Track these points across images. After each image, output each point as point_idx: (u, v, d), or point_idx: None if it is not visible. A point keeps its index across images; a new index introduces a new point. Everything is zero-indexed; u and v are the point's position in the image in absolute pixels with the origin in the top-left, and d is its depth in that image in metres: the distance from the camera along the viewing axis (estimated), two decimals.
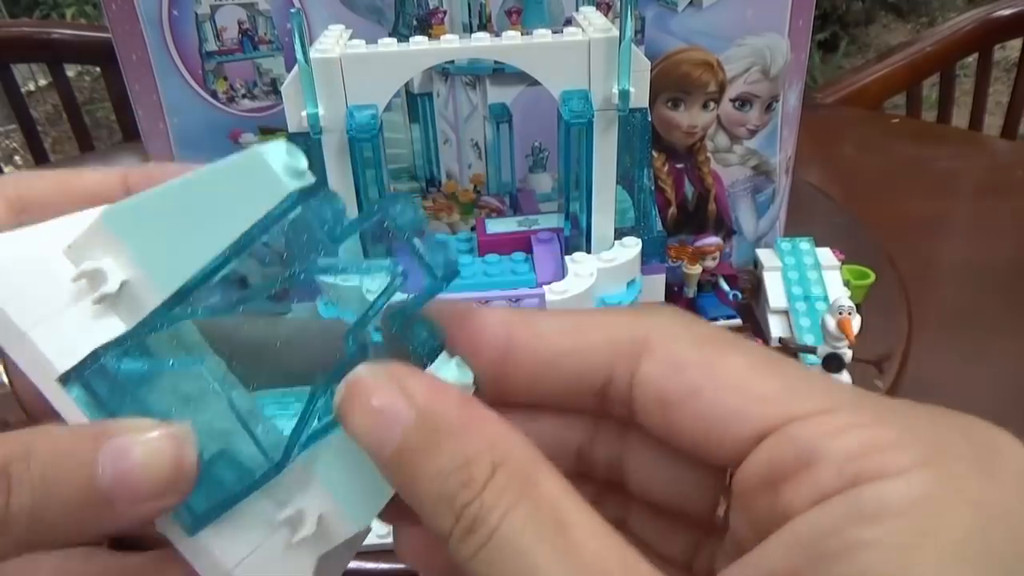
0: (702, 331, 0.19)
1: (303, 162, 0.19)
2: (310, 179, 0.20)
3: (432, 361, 0.20)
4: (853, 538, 0.15)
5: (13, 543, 0.18)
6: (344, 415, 0.19)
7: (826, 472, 0.16)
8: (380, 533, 0.49)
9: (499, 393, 0.20)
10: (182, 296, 0.20)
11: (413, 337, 0.20)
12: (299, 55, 0.39)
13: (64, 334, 0.19)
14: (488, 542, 0.17)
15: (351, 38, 0.42)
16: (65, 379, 0.19)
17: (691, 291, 0.61)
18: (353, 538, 0.21)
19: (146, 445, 0.19)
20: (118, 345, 0.19)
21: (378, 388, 0.18)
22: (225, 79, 0.59)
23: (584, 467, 0.22)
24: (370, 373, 0.19)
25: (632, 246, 0.45)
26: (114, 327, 0.20)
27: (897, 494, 0.16)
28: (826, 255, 0.65)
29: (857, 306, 0.55)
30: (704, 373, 0.18)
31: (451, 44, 0.41)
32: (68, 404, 0.19)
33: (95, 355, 0.19)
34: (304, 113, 0.40)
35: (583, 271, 0.43)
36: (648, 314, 0.20)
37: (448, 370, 0.20)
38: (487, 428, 0.18)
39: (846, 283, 0.64)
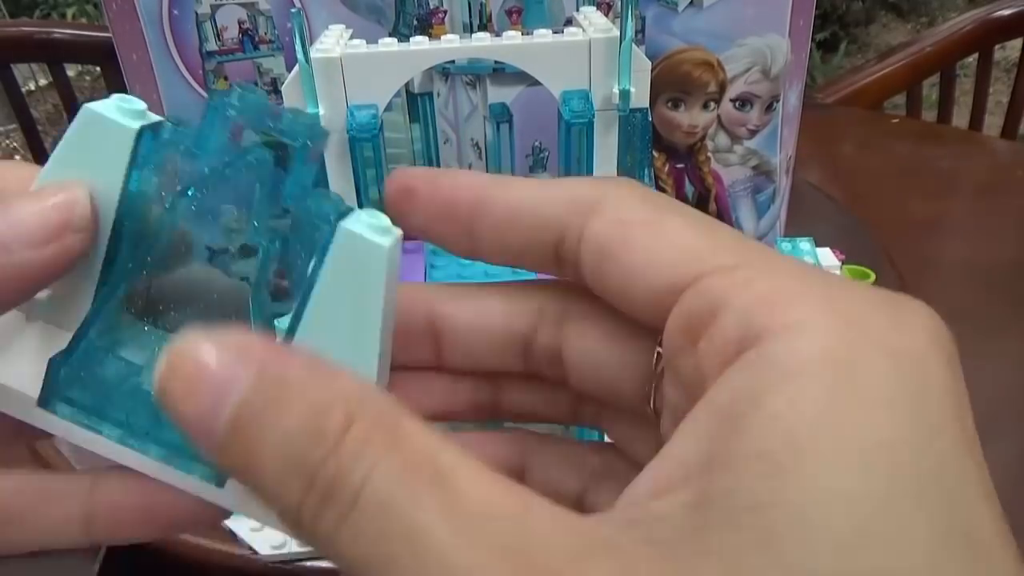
0: (651, 195, 0.19)
1: (138, 103, 0.19)
2: (152, 117, 0.19)
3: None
4: (768, 403, 0.14)
5: None
6: (166, 393, 0.15)
7: (729, 322, 0.16)
8: None
9: (469, 250, 0.20)
10: (111, 281, 0.20)
11: (316, 211, 0.20)
12: (299, 55, 0.39)
13: (24, 362, 0.19)
14: (352, 509, 0.14)
15: (351, 38, 0.42)
16: (44, 402, 0.19)
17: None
18: None
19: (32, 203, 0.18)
20: (69, 352, 0.19)
21: (204, 350, 0.15)
22: (225, 79, 0.59)
23: (531, 366, 0.22)
24: (193, 337, 0.15)
25: None
26: (62, 336, 0.20)
27: (807, 346, 0.15)
28: (826, 255, 0.65)
29: None
30: (642, 230, 0.18)
31: (451, 44, 0.41)
32: (58, 424, 0.20)
33: (54, 365, 0.19)
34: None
35: None
36: (607, 181, 0.20)
37: (359, 222, 0.19)
38: (339, 381, 0.15)
39: None
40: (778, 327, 0.15)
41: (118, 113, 0.19)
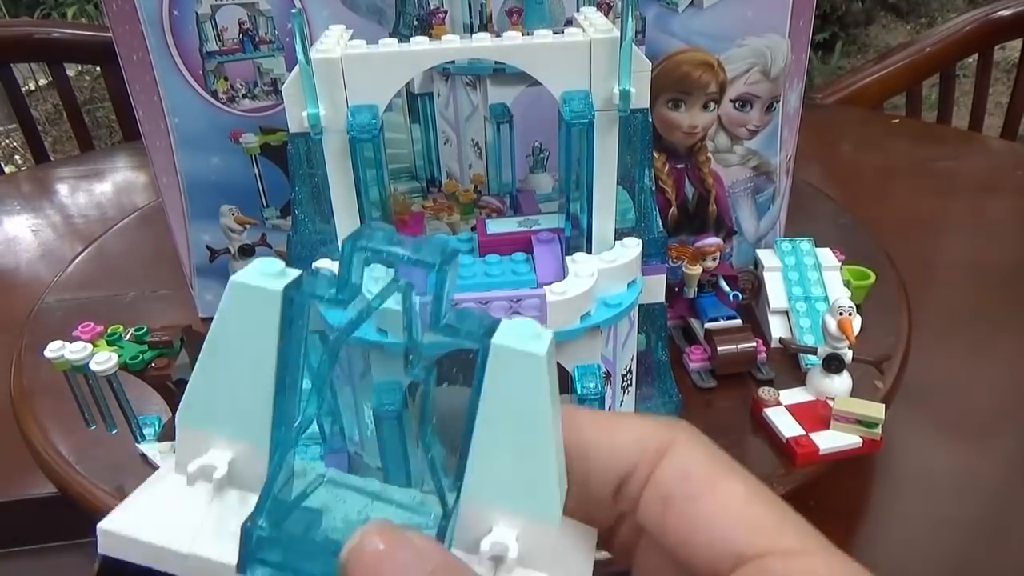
0: (715, 452, 0.21)
1: (277, 265, 0.20)
2: (292, 274, 0.20)
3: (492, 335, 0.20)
4: None
5: None
6: (352, 569, 0.18)
7: None
8: None
9: None
10: (282, 442, 0.20)
11: (463, 330, 0.20)
12: (300, 55, 0.39)
13: (217, 535, 0.20)
14: None
15: (352, 38, 0.42)
16: (242, 567, 0.20)
17: (691, 291, 0.61)
18: (560, 541, 0.21)
19: None
20: (259, 512, 0.20)
21: (396, 541, 0.18)
22: (226, 79, 0.59)
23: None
24: (377, 528, 0.19)
25: (633, 246, 0.45)
26: (248, 500, 0.20)
27: None
28: (826, 255, 0.65)
29: (857, 306, 0.55)
30: (706, 486, 0.20)
31: (452, 44, 0.41)
32: None
33: (247, 532, 0.20)
34: (305, 113, 0.40)
35: (584, 271, 0.43)
36: (672, 425, 0.21)
37: (510, 334, 0.20)
38: None
39: (846, 283, 0.64)
40: None
41: (261, 279, 0.20)
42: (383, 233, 0.20)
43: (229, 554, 0.20)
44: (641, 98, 0.42)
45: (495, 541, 0.20)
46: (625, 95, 0.40)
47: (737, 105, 0.62)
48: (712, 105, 0.62)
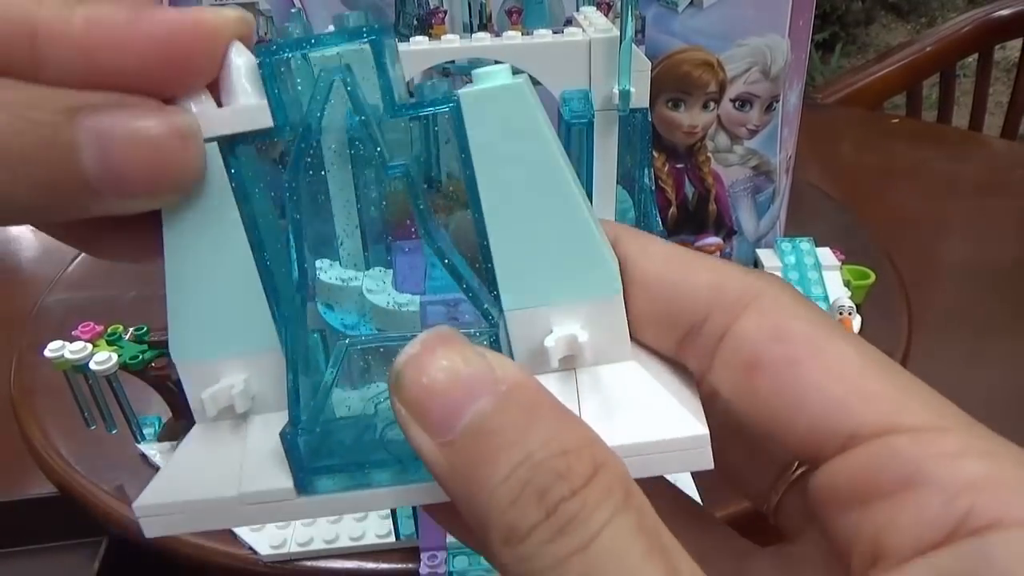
0: (814, 309, 0.17)
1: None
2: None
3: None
4: None
5: None
6: (411, 379, 0.15)
7: (933, 500, 0.15)
8: (380, 533, 0.49)
9: None
10: (289, 320, 0.18)
11: (425, 101, 0.17)
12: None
13: (263, 463, 0.17)
14: (587, 548, 0.14)
15: None
16: (302, 486, 0.17)
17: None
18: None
19: (135, 126, 0.15)
20: (295, 414, 0.17)
21: (459, 350, 0.15)
22: None
23: None
24: (449, 333, 0.16)
25: None
26: (282, 417, 0.18)
27: None
28: (826, 255, 0.65)
29: (857, 306, 0.55)
30: (807, 349, 0.16)
31: (451, 44, 0.41)
32: (317, 504, 0.18)
33: (290, 442, 0.17)
34: None
35: None
36: (759, 276, 0.18)
37: (478, 84, 0.17)
38: (585, 429, 0.15)
39: (846, 283, 0.64)
40: (1005, 522, 0.14)
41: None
42: (298, 34, 0.17)
43: (284, 478, 0.17)
44: (641, 98, 0.42)
45: (559, 336, 0.17)
46: (625, 95, 0.40)
47: (737, 105, 0.62)
48: (712, 105, 0.62)
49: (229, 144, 0.17)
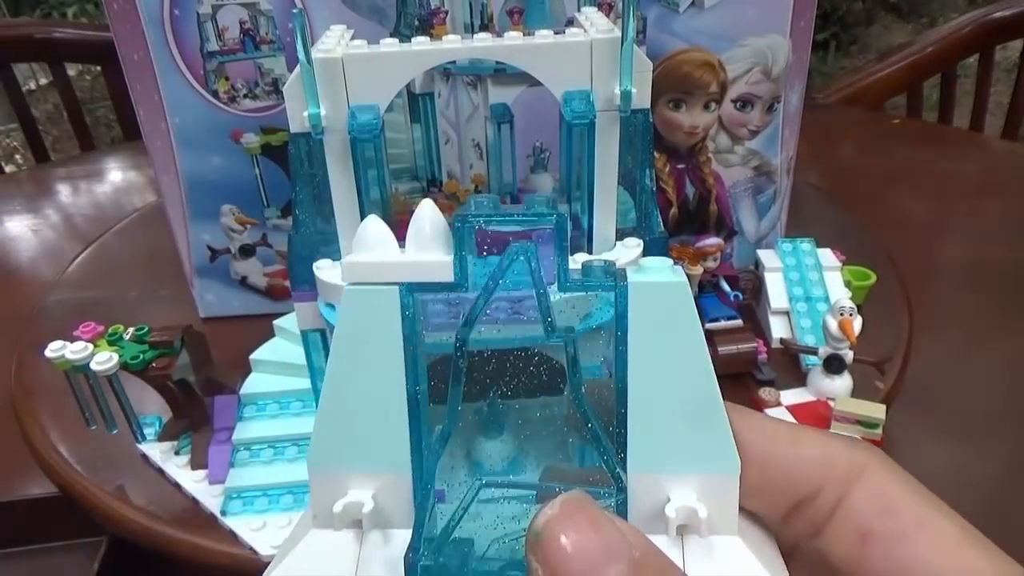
0: (915, 483, 0.19)
1: None
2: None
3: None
4: None
5: None
6: (550, 539, 0.16)
7: None
8: None
9: None
10: (426, 461, 0.19)
11: (594, 281, 0.19)
12: (301, 55, 0.39)
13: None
14: None
15: (353, 38, 0.42)
16: None
17: (692, 292, 0.61)
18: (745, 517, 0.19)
19: None
20: (417, 539, 0.19)
21: (596, 515, 0.16)
22: (226, 79, 0.59)
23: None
24: (584, 498, 0.17)
25: (634, 247, 0.45)
26: (400, 536, 0.19)
27: None
28: (827, 256, 0.65)
29: (858, 307, 0.55)
30: (914, 524, 0.18)
31: (453, 44, 0.41)
32: None
33: (411, 564, 0.18)
34: (306, 113, 0.40)
35: None
36: (864, 450, 0.19)
37: (642, 272, 0.19)
38: None
39: (847, 284, 0.64)
40: None
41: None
42: (488, 201, 0.19)
43: None
44: (642, 98, 0.42)
45: (680, 506, 0.18)
46: (626, 95, 0.40)
47: (738, 105, 0.62)
48: (713, 105, 0.61)
49: (408, 289, 0.19)
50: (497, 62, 0.43)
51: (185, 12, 0.56)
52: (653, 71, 0.42)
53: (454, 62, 0.56)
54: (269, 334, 0.58)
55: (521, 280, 0.19)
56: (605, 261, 0.19)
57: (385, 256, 0.19)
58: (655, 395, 0.19)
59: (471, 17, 0.57)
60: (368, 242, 0.19)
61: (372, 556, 0.19)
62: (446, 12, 0.56)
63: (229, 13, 0.57)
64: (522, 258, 0.18)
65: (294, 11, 0.38)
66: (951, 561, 0.18)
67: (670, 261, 0.19)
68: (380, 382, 0.19)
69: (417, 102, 0.61)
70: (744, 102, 0.62)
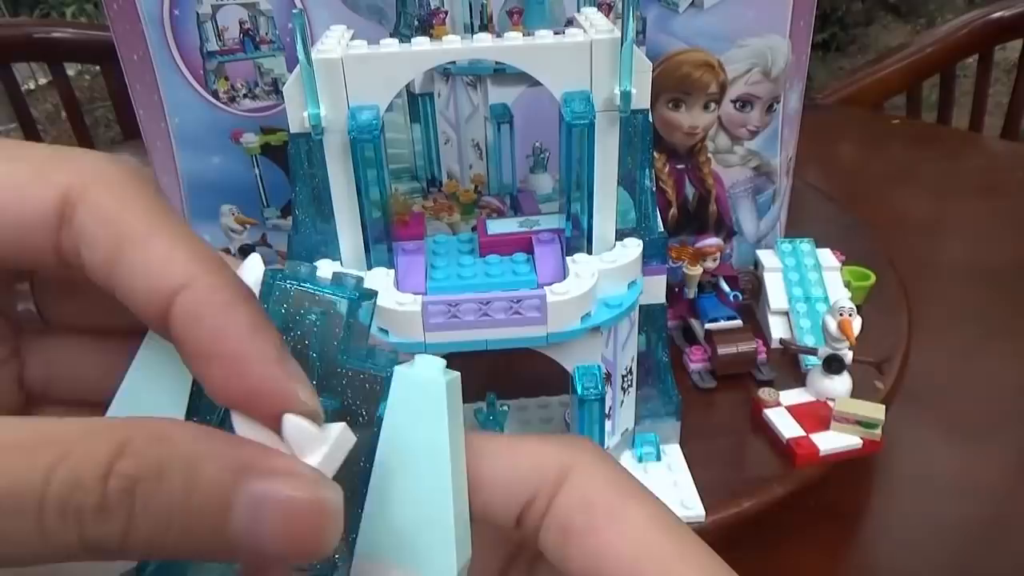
0: (617, 475, 0.20)
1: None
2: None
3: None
4: None
5: (114, 558, 0.16)
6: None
7: None
8: None
9: None
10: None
11: (372, 365, 0.20)
12: (301, 55, 0.39)
13: None
14: None
15: (353, 38, 0.42)
16: None
17: (692, 292, 0.61)
18: None
19: (289, 501, 0.17)
20: None
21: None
22: (226, 79, 0.59)
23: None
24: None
25: (633, 247, 0.45)
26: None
27: None
28: (827, 256, 0.65)
29: (858, 307, 0.55)
30: (606, 516, 0.19)
31: (452, 45, 0.41)
32: None
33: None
34: (306, 113, 0.40)
35: (584, 272, 0.43)
36: (574, 448, 0.20)
37: (415, 365, 0.20)
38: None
39: (847, 284, 0.64)
40: None
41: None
42: (305, 269, 0.20)
43: None
44: (642, 98, 0.42)
45: None
46: (626, 96, 0.40)
47: (738, 105, 0.62)
48: (712, 105, 0.62)
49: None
50: (497, 62, 0.43)
51: (185, 12, 0.56)
52: (652, 71, 0.42)
53: (454, 62, 0.56)
54: None
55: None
56: (357, 278, 0.20)
57: None
58: (394, 483, 0.19)
59: (471, 17, 0.57)
60: None
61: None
62: (446, 12, 0.56)
63: (229, 13, 0.57)
64: (311, 318, 0.20)
65: (294, 11, 0.38)
66: (638, 547, 0.19)
67: (443, 364, 0.20)
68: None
69: (417, 102, 0.61)
70: (744, 102, 0.62)
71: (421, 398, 0.19)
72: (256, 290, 0.20)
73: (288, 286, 0.20)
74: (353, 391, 0.20)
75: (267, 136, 0.61)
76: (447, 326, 0.41)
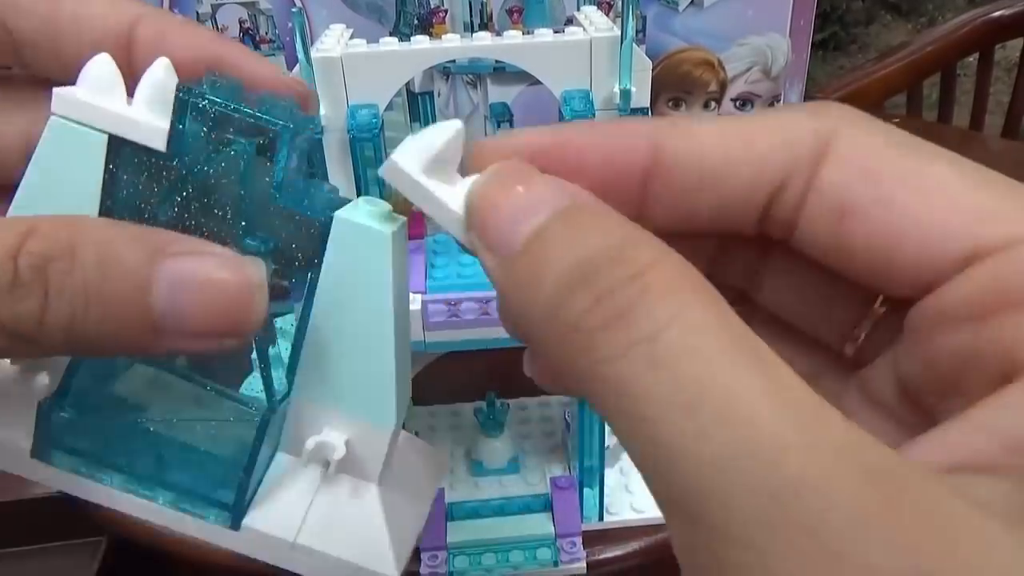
0: (899, 136, 0.15)
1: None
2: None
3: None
4: None
5: (42, 352, 0.16)
6: (479, 202, 0.15)
7: None
8: None
9: (637, 217, 0.15)
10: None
11: (310, 204, 0.18)
12: (300, 54, 0.39)
13: (14, 413, 0.19)
14: (651, 341, 0.12)
15: (352, 37, 0.42)
16: (37, 452, 0.19)
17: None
18: (393, 448, 0.19)
19: (209, 277, 0.16)
20: (60, 394, 0.18)
21: (527, 177, 0.15)
22: None
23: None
24: (516, 163, 0.16)
25: None
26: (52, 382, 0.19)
27: None
28: None
29: None
30: (902, 183, 0.15)
31: (452, 43, 0.41)
32: (55, 475, 0.19)
33: (45, 413, 0.18)
34: None
35: None
36: (830, 112, 0.16)
37: (358, 211, 0.18)
38: (646, 231, 0.14)
39: None
40: None
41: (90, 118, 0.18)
42: (228, 83, 0.18)
43: (24, 438, 0.18)
44: (642, 97, 0.42)
45: (321, 441, 0.19)
46: (626, 94, 0.40)
47: (738, 104, 0.62)
48: (713, 104, 0.61)
49: (115, 145, 0.18)
50: (496, 61, 0.43)
51: (185, 11, 0.56)
52: (652, 70, 0.42)
53: (453, 61, 0.56)
54: None
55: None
56: (292, 102, 0.19)
57: (105, 102, 0.18)
58: (332, 329, 0.18)
59: (471, 16, 0.57)
60: (94, 81, 0.18)
61: (21, 389, 0.19)
62: (445, 11, 0.56)
63: (229, 12, 0.57)
64: (239, 150, 0.18)
65: (293, 10, 0.38)
66: (955, 214, 0.14)
67: (387, 208, 0.18)
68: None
69: (416, 101, 0.61)
70: (744, 101, 0.62)
71: (364, 246, 0.18)
72: (166, 108, 0.18)
73: (207, 106, 0.18)
74: (288, 232, 0.18)
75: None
76: (447, 325, 0.41)
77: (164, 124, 0.18)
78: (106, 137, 0.18)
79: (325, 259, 0.18)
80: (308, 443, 0.19)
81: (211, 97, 0.18)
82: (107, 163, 0.18)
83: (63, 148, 0.18)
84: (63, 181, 0.18)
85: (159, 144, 0.18)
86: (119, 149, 0.18)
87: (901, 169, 0.15)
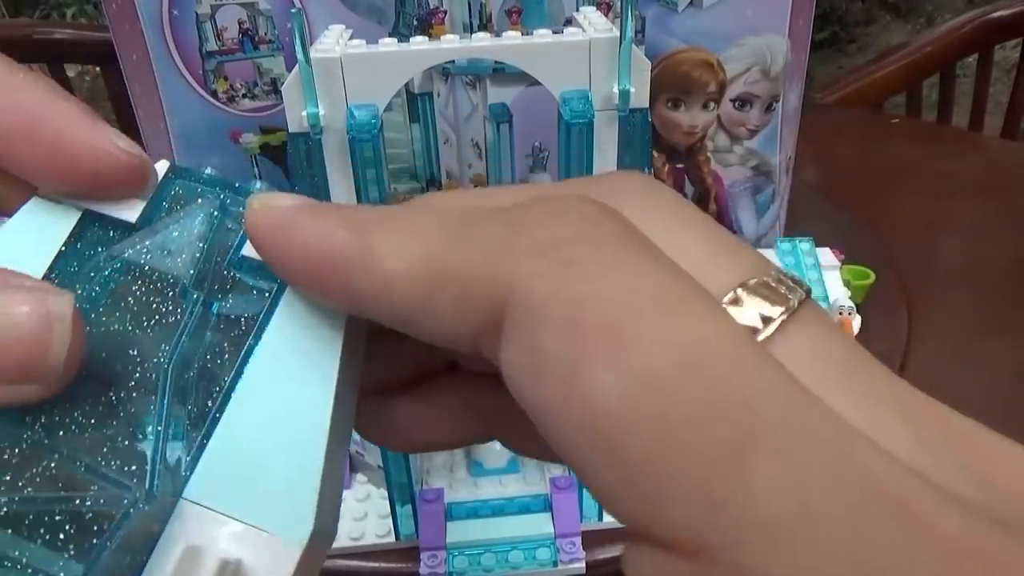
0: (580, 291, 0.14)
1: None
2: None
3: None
4: None
5: None
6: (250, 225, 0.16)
7: None
8: (379, 533, 0.49)
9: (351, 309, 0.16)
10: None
11: (265, 271, 0.17)
12: (299, 55, 0.39)
13: None
14: None
15: (351, 38, 0.42)
16: None
17: None
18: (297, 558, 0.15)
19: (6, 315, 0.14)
20: None
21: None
22: (225, 79, 0.59)
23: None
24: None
25: None
26: None
27: None
28: (826, 255, 0.65)
29: (857, 306, 0.55)
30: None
31: (451, 44, 0.41)
32: None
33: None
34: (304, 113, 0.40)
35: None
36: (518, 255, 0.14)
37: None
38: None
39: (846, 283, 0.64)
40: None
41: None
42: (211, 176, 0.19)
43: None
44: (641, 98, 0.42)
45: (222, 558, 0.14)
46: (625, 95, 0.40)
47: (737, 105, 0.62)
48: (712, 105, 0.62)
49: (88, 215, 0.18)
50: (496, 62, 0.43)
51: (184, 12, 0.56)
52: (652, 71, 0.42)
53: (453, 62, 0.56)
54: None
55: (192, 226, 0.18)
56: (264, 184, 0.19)
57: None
58: (256, 418, 0.16)
59: (470, 17, 0.57)
60: None
61: None
62: (445, 12, 0.56)
63: (228, 13, 0.57)
64: (208, 215, 0.18)
65: (293, 11, 0.38)
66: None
67: None
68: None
69: (416, 102, 0.61)
70: (743, 101, 0.62)
71: (314, 324, 0.16)
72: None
73: (184, 185, 0.19)
74: (237, 299, 0.17)
75: (266, 136, 0.61)
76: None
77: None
78: (78, 211, 0.18)
79: (268, 330, 0.16)
80: (173, 549, 0.15)
81: (189, 177, 0.19)
82: (72, 231, 0.17)
83: (33, 220, 0.17)
84: (17, 247, 0.17)
85: (131, 217, 0.18)
86: (90, 223, 0.18)
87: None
